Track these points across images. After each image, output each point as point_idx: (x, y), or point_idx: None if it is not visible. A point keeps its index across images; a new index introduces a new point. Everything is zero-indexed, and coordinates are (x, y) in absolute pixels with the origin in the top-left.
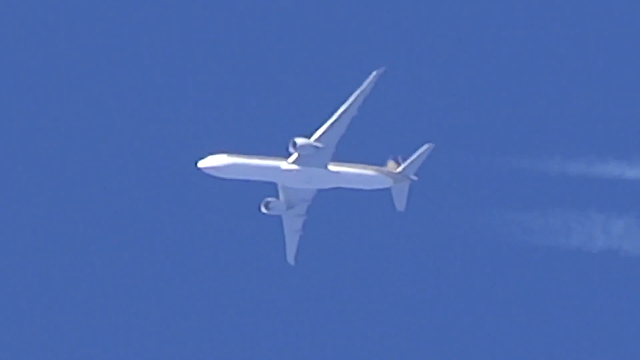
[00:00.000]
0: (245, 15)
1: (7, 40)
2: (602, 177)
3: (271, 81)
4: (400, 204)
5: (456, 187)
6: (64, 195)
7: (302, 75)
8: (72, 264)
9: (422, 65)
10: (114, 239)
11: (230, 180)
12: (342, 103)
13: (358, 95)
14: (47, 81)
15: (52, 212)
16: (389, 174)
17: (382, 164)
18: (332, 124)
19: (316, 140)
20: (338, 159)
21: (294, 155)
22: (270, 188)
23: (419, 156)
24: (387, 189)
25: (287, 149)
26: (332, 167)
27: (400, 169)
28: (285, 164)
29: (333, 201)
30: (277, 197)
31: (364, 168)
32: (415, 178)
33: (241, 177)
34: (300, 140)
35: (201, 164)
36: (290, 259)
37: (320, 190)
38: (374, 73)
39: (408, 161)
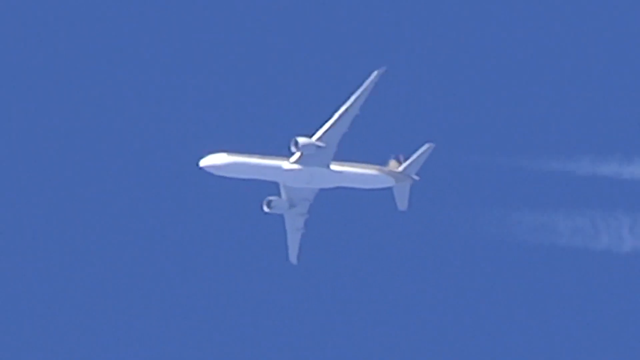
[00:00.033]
0: (246, 15)
1: (7, 40)
2: (604, 176)
3: (273, 81)
4: (401, 203)
5: (457, 186)
6: (66, 194)
7: (303, 75)
8: (74, 263)
9: (422, 65)
10: (116, 238)
11: (232, 179)
12: (343, 103)
13: (359, 95)
14: (48, 81)
15: (54, 211)
16: (391, 173)
17: (384, 163)
18: (333, 124)
19: (318, 139)
20: (340, 158)
21: (296, 155)
22: (272, 187)
23: (419, 156)
24: (389, 189)
25: (288, 148)
26: (334, 167)
27: (401, 168)
28: (286, 164)
29: (335, 200)
30: (279, 195)
31: (366, 167)
32: (416, 177)
33: (243, 176)
34: (302, 140)
35: (202, 162)
36: (293, 257)
37: (322, 190)
38: (375, 73)
39: (409, 161)
